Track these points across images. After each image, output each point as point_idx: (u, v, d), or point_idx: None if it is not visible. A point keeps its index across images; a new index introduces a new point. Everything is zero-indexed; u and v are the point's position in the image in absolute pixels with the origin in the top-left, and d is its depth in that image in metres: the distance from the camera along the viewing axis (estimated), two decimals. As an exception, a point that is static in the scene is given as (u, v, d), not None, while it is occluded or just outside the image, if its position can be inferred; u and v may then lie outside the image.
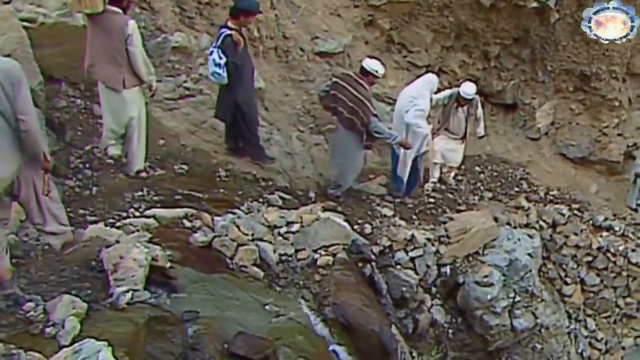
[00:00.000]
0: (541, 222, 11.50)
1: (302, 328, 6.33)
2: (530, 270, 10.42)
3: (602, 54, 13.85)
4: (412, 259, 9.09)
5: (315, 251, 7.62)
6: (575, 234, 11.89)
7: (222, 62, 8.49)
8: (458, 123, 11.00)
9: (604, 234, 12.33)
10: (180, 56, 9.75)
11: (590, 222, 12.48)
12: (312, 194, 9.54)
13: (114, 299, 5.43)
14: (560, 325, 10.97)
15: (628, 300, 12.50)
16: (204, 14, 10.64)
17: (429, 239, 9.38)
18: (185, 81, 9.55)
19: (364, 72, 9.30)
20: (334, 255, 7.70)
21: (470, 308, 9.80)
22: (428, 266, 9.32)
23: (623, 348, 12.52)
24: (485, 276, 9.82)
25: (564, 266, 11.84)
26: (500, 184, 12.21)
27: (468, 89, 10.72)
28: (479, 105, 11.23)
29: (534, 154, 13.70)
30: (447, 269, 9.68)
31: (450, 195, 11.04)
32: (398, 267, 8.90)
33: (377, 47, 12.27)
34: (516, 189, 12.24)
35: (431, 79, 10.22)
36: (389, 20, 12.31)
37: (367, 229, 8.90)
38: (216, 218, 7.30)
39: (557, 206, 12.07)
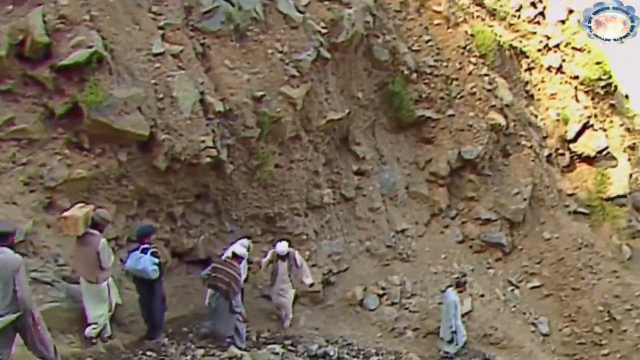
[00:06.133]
0: (257, 366, 11.61)
1: None
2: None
3: (280, 195, 14.84)
4: None
5: None
6: (293, 368, 12.18)
7: (157, 261, 10.93)
8: (283, 274, 13.86)
9: (321, 361, 12.81)
10: None
11: (306, 353, 12.89)
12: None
13: None
14: None
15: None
16: None
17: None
18: None
19: (234, 255, 12.33)
20: None
21: None
22: None
23: None
24: None
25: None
26: (211, 339, 12.21)
27: (282, 246, 13.69)
28: (296, 256, 13.97)
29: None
30: None
31: (162, 362, 10.79)
32: None
33: (62, 229, 11.89)
34: (228, 339, 12.25)
35: (243, 243, 12.98)
36: (68, 200, 11.90)
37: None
38: None
39: (270, 346, 12.28)
